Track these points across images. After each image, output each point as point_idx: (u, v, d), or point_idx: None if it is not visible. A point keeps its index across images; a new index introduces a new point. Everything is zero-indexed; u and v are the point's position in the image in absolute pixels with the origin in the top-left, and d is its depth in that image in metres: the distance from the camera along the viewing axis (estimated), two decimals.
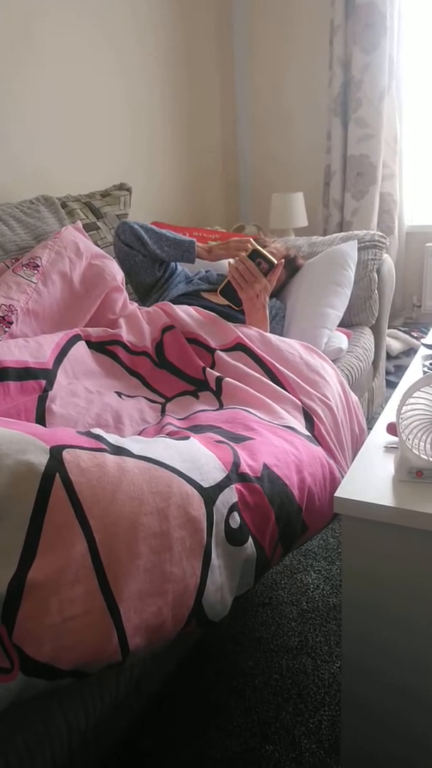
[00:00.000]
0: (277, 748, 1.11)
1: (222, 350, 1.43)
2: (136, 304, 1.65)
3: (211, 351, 1.43)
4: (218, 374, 1.35)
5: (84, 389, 1.28)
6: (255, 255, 1.52)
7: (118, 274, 1.63)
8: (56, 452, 0.76)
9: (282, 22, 3.23)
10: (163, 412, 1.30)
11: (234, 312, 1.64)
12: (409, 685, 0.95)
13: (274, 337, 1.47)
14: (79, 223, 1.74)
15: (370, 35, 2.87)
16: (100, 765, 0.92)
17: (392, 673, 0.95)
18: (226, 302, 1.61)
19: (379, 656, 0.95)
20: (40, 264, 1.52)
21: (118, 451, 0.84)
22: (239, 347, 1.43)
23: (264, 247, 1.98)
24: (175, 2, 2.85)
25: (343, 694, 1.01)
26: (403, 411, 0.88)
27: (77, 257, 1.58)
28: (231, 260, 1.56)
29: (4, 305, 1.40)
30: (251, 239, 1.61)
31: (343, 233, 2.19)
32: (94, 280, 1.58)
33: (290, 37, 3.25)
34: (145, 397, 1.35)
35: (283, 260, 1.60)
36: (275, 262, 1.53)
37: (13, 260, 1.58)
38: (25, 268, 1.50)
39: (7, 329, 1.38)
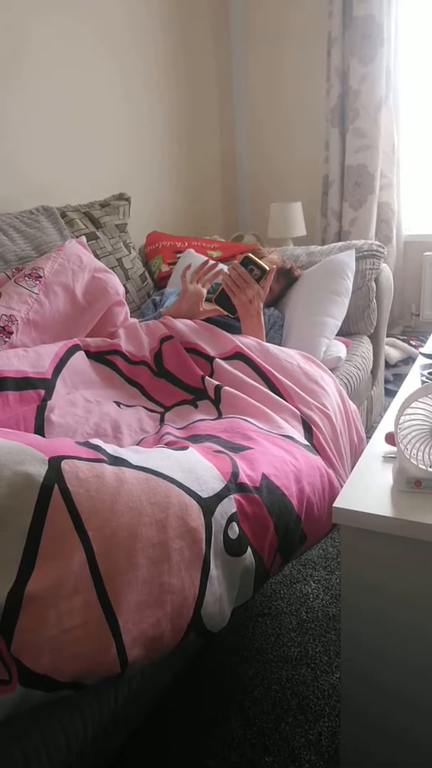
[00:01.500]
0: (277, 759, 1.10)
1: (221, 359, 1.44)
2: (136, 320, 1.66)
3: (210, 360, 1.44)
4: (217, 383, 1.35)
5: (83, 399, 1.28)
6: (247, 262, 1.54)
7: (120, 288, 1.64)
8: (55, 463, 0.76)
9: (279, 33, 3.26)
10: (161, 421, 1.30)
11: (231, 321, 1.65)
12: (409, 694, 0.94)
13: (272, 347, 1.48)
14: (83, 238, 1.75)
15: (367, 47, 2.90)
16: None
17: (392, 682, 0.95)
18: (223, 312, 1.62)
19: (378, 665, 0.95)
20: (42, 275, 1.52)
21: (117, 461, 0.84)
22: (238, 356, 1.43)
23: (261, 257, 1.99)
24: (174, 15, 2.87)
25: (342, 704, 1.00)
26: (401, 421, 0.88)
27: (80, 270, 1.59)
28: (225, 269, 1.57)
29: (5, 315, 1.40)
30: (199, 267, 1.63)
31: (341, 243, 2.20)
32: (96, 293, 1.58)
33: (288, 48, 3.27)
34: (143, 407, 1.35)
35: (275, 266, 1.61)
36: (267, 268, 1.54)
37: (15, 270, 1.59)
38: (27, 278, 1.50)
39: (7, 339, 1.38)
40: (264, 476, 0.99)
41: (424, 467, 0.89)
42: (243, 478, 0.96)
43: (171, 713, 1.21)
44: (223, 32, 3.29)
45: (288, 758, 1.11)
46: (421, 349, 1.57)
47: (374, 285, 2.06)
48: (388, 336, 3.09)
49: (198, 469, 0.91)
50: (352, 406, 1.44)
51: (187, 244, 2.40)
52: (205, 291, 1.63)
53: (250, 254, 1.56)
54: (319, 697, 1.22)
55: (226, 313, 1.59)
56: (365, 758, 1.02)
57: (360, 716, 1.00)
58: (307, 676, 1.27)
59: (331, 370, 1.66)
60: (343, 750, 1.03)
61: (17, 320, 1.41)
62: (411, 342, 3.08)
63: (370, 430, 2.16)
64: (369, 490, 0.93)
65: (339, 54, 2.98)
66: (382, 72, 2.93)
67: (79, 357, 1.39)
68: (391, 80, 3.01)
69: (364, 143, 3.02)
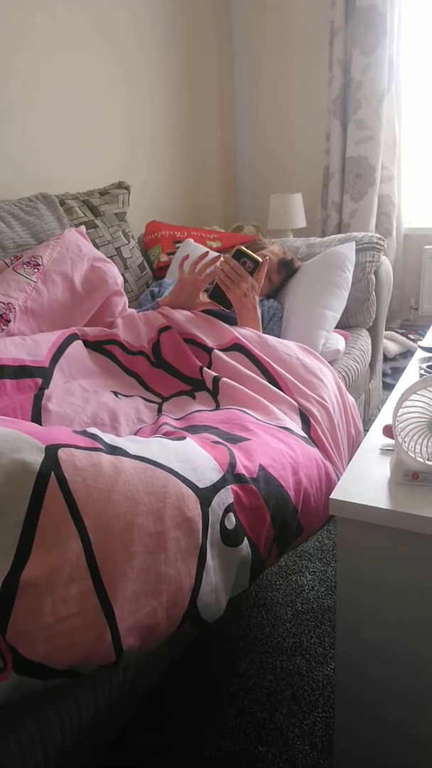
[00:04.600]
0: (271, 749, 1.11)
1: (219, 350, 1.43)
2: (134, 310, 1.65)
3: (208, 350, 1.43)
4: (215, 374, 1.35)
5: (80, 388, 1.27)
6: (239, 255, 1.53)
7: (119, 278, 1.62)
8: (52, 451, 0.76)
9: (282, 23, 3.24)
10: (159, 411, 1.29)
11: (228, 314, 1.64)
12: (403, 687, 0.95)
13: (271, 338, 1.47)
14: (83, 228, 1.74)
15: (370, 37, 2.88)
16: (93, 764, 0.92)
17: (387, 674, 0.95)
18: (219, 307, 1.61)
19: (373, 658, 0.95)
20: (41, 263, 1.51)
21: (114, 450, 0.84)
22: (237, 347, 1.43)
23: (262, 248, 1.98)
24: (176, 4, 2.85)
25: (337, 696, 1.01)
26: (399, 414, 0.88)
27: (79, 259, 1.58)
28: (217, 264, 1.56)
29: (3, 303, 1.39)
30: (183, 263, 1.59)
31: (341, 235, 2.19)
32: (95, 282, 1.57)
33: (290, 38, 3.25)
34: (141, 397, 1.34)
35: (267, 257, 1.60)
36: (259, 260, 1.53)
37: (13, 258, 1.58)
38: (25, 266, 1.49)
39: (4, 327, 1.37)
40: (261, 467, 0.99)
41: (421, 460, 0.89)
42: (240, 468, 0.96)
43: (166, 703, 1.22)
44: (225, 20, 3.27)
45: (282, 748, 1.11)
46: (419, 343, 1.57)
47: (374, 278, 2.06)
48: (386, 329, 3.09)
49: (195, 459, 0.91)
50: (350, 398, 1.44)
51: (186, 234, 2.38)
52: (204, 283, 1.61)
53: (242, 247, 1.55)
54: (313, 688, 1.23)
55: (222, 308, 1.58)
56: (359, 750, 1.03)
57: (355, 709, 1.00)
58: (302, 666, 1.28)
59: (329, 362, 1.65)
60: (336, 741, 1.04)
61: (15, 308, 1.41)
62: (410, 336, 3.08)
63: (367, 422, 2.16)
64: (366, 482, 0.93)
65: (342, 44, 2.96)
66: (385, 63, 2.91)
67: (77, 346, 1.38)
68: (393, 72, 2.99)
69: (365, 135, 3.01)
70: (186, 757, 1.10)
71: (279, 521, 0.98)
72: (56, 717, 0.79)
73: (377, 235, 2.10)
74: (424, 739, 0.96)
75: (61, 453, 0.77)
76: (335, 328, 1.94)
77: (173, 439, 0.96)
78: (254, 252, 1.78)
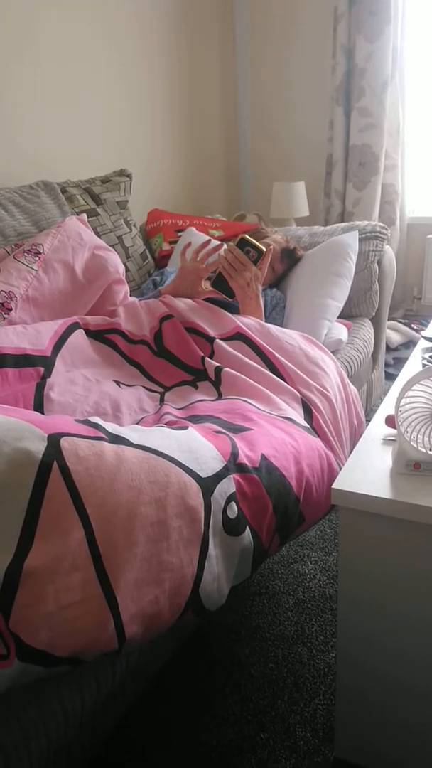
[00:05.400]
0: (272, 736, 1.12)
1: (221, 339, 1.43)
2: (135, 298, 1.64)
3: (210, 340, 1.43)
4: (217, 364, 1.34)
5: (82, 377, 1.27)
6: (243, 244, 1.52)
7: (120, 266, 1.62)
8: (54, 440, 0.76)
9: (285, 8, 3.20)
10: (161, 401, 1.29)
11: (231, 302, 1.63)
12: (404, 678, 0.95)
13: (273, 328, 1.47)
14: (84, 216, 1.73)
15: (374, 23, 2.85)
16: (95, 751, 0.92)
17: (388, 665, 0.96)
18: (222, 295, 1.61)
19: (374, 648, 0.96)
20: (41, 251, 1.50)
21: (117, 439, 0.84)
22: (239, 336, 1.42)
23: (264, 237, 1.97)
24: None
25: (338, 685, 1.01)
26: (402, 403, 0.88)
27: (80, 247, 1.57)
28: (221, 251, 1.55)
29: (4, 291, 1.39)
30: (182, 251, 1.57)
31: (344, 223, 2.18)
32: (96, 271, 1.57)
33: (293, 24, 3.21)
34: (143, 386, 1.34)
35: (272, 247, 1.59)
36: (264, 249, 1.52)
37: (14, 246, 1.57)
38: (26, 254, 1.48)
39: (6, 316, 1.37)
40: (263, 457, 0.99)
41: (423, 450, 0.89)
42: (242, 458, 0.96)
43: (168, 690, 1.23)
44: (227, 6, 3.23)
45: (283, 735, 1.12)
46: (422, 333, 1.56)
47: (377, 267, 2.05)
48: (389, 319, 3.08)
49: (198, 448, 0.91)
50: (353, 388, 1.44)
51: (188, 222, 2.37)
52: (206, 272, 1.60)
53: (246, 236, 1.53)
54: (314, 676, 1.23)
55: (224, 296, 1.57)
56: (359, 737, 1.03)
57: (355, 697, 1.01)
58: (303, 654, 1.28)
59: (332, 352, 1.65)
60: (337, 728, 1.05)
61: (16, 297, 1.40)
62: (412, 326, 3.07)
63: (369, 413, 2.16)
64: (368, 472, 0.93)
65: (345, 30, 2.93)
66: (389, 50, 2.89)
67: (79, 335, 1.38)
68: (397, 59, 2.97)
69: (369, 122, 2.99)
70: (187, 744, 1.11)
71: (281, 511, 0.98)
72: (59, 704, 0.79)
73: (380, 224, 2.08)
74: (425, 730, 0.97)
75: (64, 442, 0.77)
76: (338, 317, 1.94)
77: (175, 429, 0.96)
78: (257, 241, 1.77)
